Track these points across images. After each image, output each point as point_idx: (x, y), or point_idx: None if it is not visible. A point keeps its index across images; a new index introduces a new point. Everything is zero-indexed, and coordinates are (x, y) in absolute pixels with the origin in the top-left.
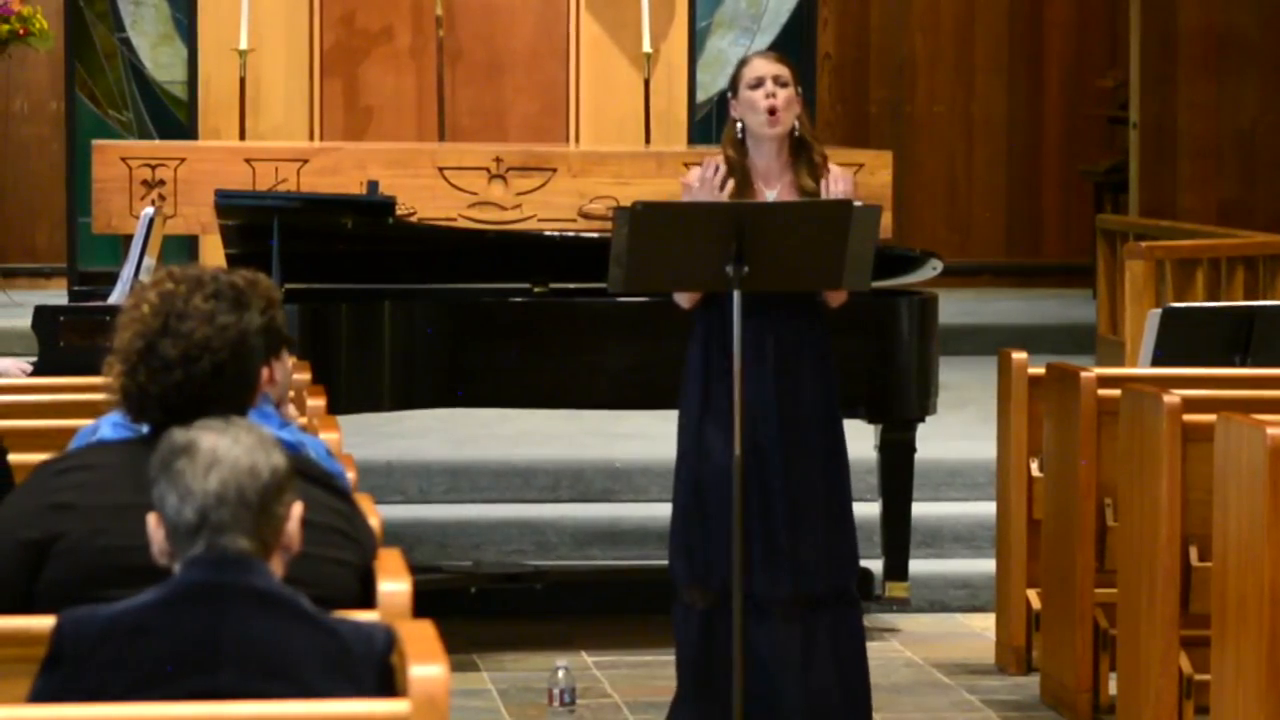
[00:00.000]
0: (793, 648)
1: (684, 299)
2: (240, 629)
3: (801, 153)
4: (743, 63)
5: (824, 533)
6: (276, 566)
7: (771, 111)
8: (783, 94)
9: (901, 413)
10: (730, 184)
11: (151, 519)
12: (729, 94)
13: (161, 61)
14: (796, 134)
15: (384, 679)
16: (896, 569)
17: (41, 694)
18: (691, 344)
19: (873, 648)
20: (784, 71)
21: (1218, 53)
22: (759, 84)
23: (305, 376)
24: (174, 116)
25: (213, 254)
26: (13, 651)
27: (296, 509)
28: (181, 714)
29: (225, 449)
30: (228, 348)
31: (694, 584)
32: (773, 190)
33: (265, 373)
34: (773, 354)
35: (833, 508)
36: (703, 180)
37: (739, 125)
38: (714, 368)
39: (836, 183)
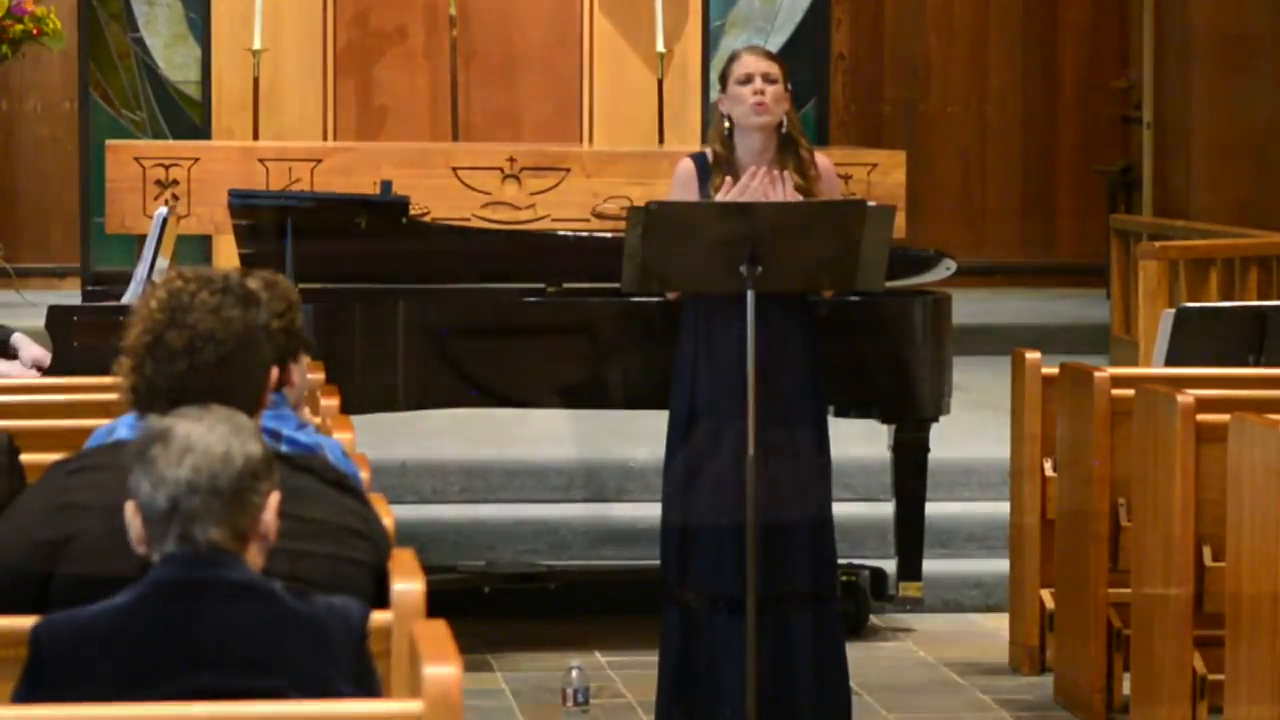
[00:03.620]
0: (772, 645)
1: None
2: (217, 624)
3: (789, 148)
4: (732, 58)
5: (805, 530)
6: (255, 557)
7: (759, 105)
8: (771, 90)
9: (915, 413)
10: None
11: (129, 507)
12: (719, 89)
13: (175, 61)
14: (784, 129)
15: (360, 658)
16: (910, 569)
17: (23, 702)
18: (681, 339)
19: (886, 647)
20: (773, 69)
21: (1231, 52)
22: (748, 80)
23: (319, 376)
24: (187, 116)
25: (226, 254)
26: (12, 652)
27: (273, 498)
28: (198, 714)
29: (199, 436)
30: (233, 339)
31: (679, 582)
32: None
33: (282, 374)
34: (760, 349)
35: (814, 505)
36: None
37: (726, 120)
38: (701, 363)
39: (825, 180)
